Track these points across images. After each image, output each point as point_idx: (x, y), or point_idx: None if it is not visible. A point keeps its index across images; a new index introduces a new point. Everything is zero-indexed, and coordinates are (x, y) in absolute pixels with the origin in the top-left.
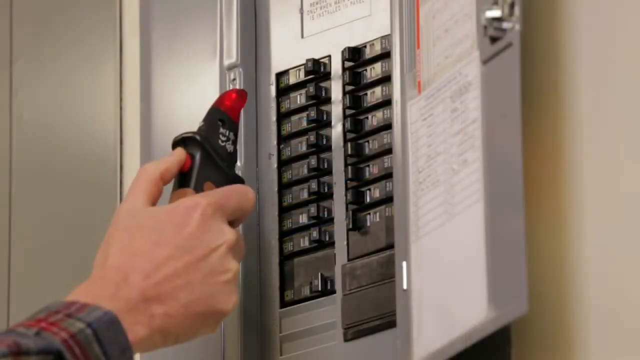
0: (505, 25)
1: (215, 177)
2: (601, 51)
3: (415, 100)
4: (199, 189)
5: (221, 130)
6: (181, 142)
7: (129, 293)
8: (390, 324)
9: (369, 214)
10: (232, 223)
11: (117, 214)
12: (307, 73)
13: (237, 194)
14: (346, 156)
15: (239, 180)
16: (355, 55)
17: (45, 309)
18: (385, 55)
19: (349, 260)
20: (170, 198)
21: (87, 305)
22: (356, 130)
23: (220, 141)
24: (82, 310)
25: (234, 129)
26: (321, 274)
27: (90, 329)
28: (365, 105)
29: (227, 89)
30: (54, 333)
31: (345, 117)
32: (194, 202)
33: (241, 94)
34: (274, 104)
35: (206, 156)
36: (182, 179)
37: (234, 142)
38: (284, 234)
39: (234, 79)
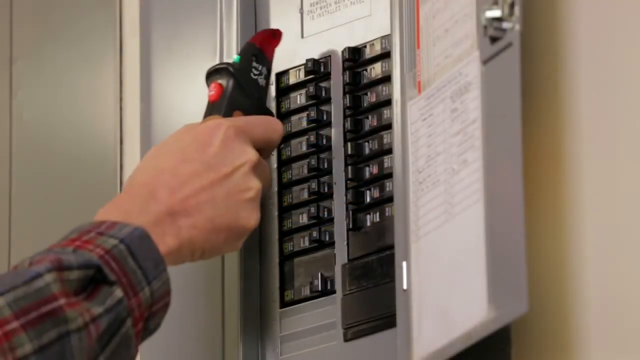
0: (505, 25)
1: (245, 107)
2: (601, 51)
3: (415, 100)
4: (227, 117)
5: (254, 64)
6: (214, 72)
7: (156, 207)
8: (390, 324)
9: (369, 214)
10: (260, 153)
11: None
12: (307, 73)
13: (263, 123)
14: (346, 156)
15: (268, 112)
16: (355, 55)
17: (76, 230)
18: (385, 55)
19: (349, 260)
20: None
21: (116, 223)
22: (356, 130)
23: (252, 74)
24: (112, 228)
25: (267, 65)
26: (321, 274)
27: (123, 245)
28: (365, 105)
29: None
30: (90, 250)
31: (345, 117)
32: (217, 122)
33: (277, 33)
34: (274, 104)
35: (237, 86)
36: (212, 108)
37: (267, 78)
38: (284, 234)
39: None
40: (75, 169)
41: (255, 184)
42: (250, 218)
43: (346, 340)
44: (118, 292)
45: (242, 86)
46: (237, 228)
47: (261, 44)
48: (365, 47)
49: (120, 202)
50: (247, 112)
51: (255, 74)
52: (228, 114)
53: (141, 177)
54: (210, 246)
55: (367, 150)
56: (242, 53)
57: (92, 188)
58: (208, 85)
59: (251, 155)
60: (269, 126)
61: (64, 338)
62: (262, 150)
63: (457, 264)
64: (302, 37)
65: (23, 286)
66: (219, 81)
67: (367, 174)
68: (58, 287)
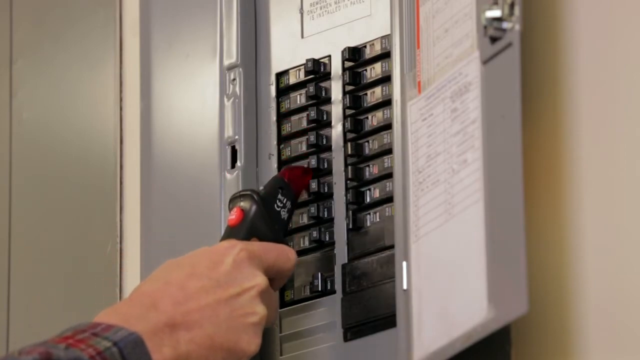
0: (505, 25)
1: (263, 236)
2: (601, 51)
3: (415, 100)
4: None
5: (279, 196)
6: (238, 197)
7: (157, 317)
8: (390, 324)
9: (369, 214)
10: (271, 282)
11: None
12: (307, 73)
13: (276, 250)
14: (346, 156)
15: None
16: (355, 55)
17: (71, 329)
18: (385, 55)
19: (349, 260)
20: None
21: (112, 326)
22: (356, 130)
23: (276, 206)
24: (108, 330)
25: (292, 199)
26: (321, 274)
27: (116, 348)
28: (365, 105)
29: (227, 89)
30: (82, 349)
31: (345, 117)
32: (232, 243)
33: (307, 172)
34: (274, 104)
35: (259, 214)
36: (231, 232)
37: (290, 212)
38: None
39: (234, 79)
40: (75, 169)
41: (260, 310)
42: (251, 343)
43: (346, 340)
44: None
45: (264, 215)
46: (236, 350)
47: (290, 178)
48: (365, 47)
49: (121, 307)
50: (264, 241)
51: (278, 206)
52: (246, 240)
53: (147, 286)
54: None
55: (367, 150)
56: (269, 184)
57: (92, 188)
58: (230, 209)
59: (260, 280)
60: (282, 255)
61: None
62: (273, 280)
63: (457, 264)
64: (302, 37)
65: None
66: (242, 206)
67: (367, 174)
68: None
